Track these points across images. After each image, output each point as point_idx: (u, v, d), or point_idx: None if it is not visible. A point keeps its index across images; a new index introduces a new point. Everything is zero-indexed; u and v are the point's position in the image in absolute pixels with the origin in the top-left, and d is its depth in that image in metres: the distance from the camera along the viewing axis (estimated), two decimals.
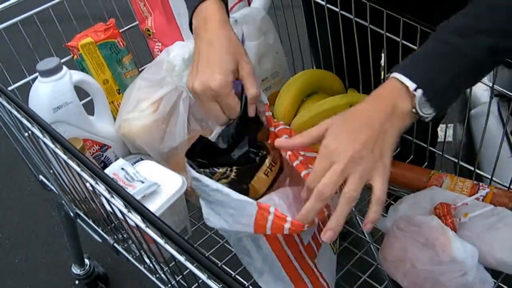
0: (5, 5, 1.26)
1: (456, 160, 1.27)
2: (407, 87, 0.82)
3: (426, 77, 0.83)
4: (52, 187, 1.37)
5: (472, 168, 1.25)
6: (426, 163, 1.37)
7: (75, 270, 1.89)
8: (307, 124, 1.16)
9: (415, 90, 0.81)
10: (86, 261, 1.90)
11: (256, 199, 0.82)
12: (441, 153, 1.32)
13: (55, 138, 0.97)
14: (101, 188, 0.93)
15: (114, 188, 0.87)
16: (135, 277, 1.99)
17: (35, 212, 2.41)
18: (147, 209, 0.83)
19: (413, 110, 0.82)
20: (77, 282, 1.98)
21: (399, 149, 1.33)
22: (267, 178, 0.92)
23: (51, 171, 1.28)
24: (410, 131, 1.31)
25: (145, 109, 1.17)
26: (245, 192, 0.90)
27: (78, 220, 1.34)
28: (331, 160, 0.79)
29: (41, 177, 1.41)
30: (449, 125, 2.30)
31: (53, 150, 1.04)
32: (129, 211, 0.88)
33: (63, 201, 1.34)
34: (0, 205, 2.49)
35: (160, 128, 1.15)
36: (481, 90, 1.65)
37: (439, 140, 1.62)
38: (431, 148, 1.34)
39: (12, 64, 1.32)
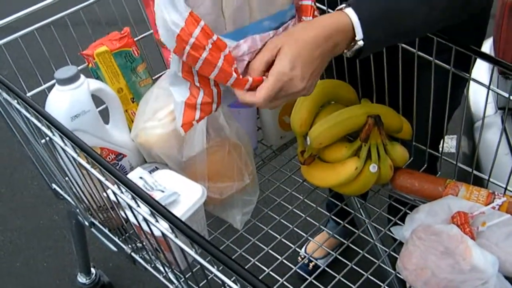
0: (22, 13, 1.26)
1: (470, 170, 1.28)
2: (354, 35, 0.94)
3: (371, 34, 0.95)
4: (66, 196, 1.37)
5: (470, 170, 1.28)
6: (438, 173, 1.38)
7: (81, 279, 1.89)
8: (325, 135, 1.17)
9: (359, 40, 0.95)
10: (92, 270, 1.89)
11: None
12: (451, 161, 1.33)
13: (79, 145, 0.98)
14: (124, 196, 0.94)
15: (141, 195, 0.88)
16: (139, 284, 1.99)
17: (37, 216, 2.41)
18: (176, 217, 0.83)
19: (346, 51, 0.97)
20: None
21: (412, 158, 1.34)
22: None
23: (66, 178, 1.28)
24: (423, 141, 1.33)
25: (163, 118, 1.17)
26: None
27: (93, 229, 1.33)
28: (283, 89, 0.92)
29: (54, 185, 1.41)
30: (452, 136, 2.32)
31: (74, 158, 1.04)
32: (156, 220, 0.89)
33: (77, 210, 1.34)
34: (2, 208, 2.48)
35: (178, 137, 1.15)
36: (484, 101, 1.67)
37: (446, 151, 1.64)
38: (434, 153, 1.35)
39: (27, 71, 1.32)
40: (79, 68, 1.31)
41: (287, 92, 0.93)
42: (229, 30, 0.94)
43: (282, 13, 0.99)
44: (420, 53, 1.19)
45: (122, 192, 0.94)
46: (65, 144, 1.03)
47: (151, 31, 1.40)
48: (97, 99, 1.24)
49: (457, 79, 1.19)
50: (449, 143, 2.37)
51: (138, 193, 0.88)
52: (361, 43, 0.95)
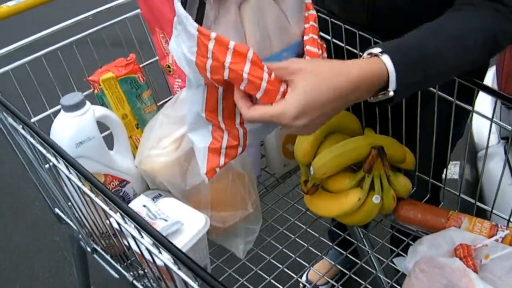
0: (30, 39, 1.27)
1: (473, 201, 1.28)
2: (387, 85, 0.87)
3: (405, 82, 0.87)
4: (68, 221, 1.37)
5: (473, 201, 1.28)
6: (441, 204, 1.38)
7: None
8: (328, 165, 1.17)
9: (390, 92, 0.87)
10: None
11: None
12: (453, 192, 1.33)
13: (83, 175, 0.98)
14: (127, 226, 0.94)
15: (145, 227, 0.88)
16: None
17: (38, 236, 2.41)
18: (179, 249, 0.83)
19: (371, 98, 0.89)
20: None
21: (415, 188, 1.34)
22: None
23: (69, 203, 1.29)
24: (426, 170, 1.33)
25: (167, 146, 1.17)
26: None
27: (95, 255, 1.33)
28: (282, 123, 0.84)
29: (56, 210, 1.41)
30: (455, 162, 2.33)
31: (77, 186, 1.04)
32: (159, 251, 0.89)
33: (80, 235, 1.34)
34: (3, 226, 2.48)
35: (182, 166, 1.16)
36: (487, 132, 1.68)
37: (449, 177, 1.64)
38: (437, 184, 1.35)
39: (32, 95, 1.32)
40: (85, 93, 1.32)
41: (280, 125, 0.87)
42: None
43: (296, 44, 0.99)
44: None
45: (125, 222, 0.94)
46: (70, 173, 1.03)
47: (157, 57, 1.41)
48: (101, 124, 1.25)
49: (461, 109, 1.19)
50: (451, 170, 2.37)
51: (142, 225, 0.88)
52: (391, 93, 0.87)
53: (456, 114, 1.20)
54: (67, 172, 1.04)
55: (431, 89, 1.19)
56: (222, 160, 0.97)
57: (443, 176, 1.47)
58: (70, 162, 1.00)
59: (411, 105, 1.26)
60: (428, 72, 0.91)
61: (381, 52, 0.87)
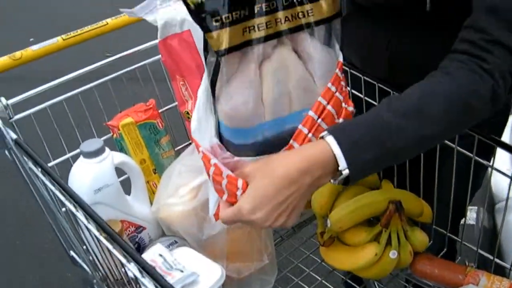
0: (52, 84, 1.29)
1: (491, 258, 1.26)
2: (337, 165, 0.86)
3: (357, 160, 0.87)
4: (83, 264, 1.37)
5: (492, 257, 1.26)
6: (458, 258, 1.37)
7: None
8: (345, 219, 1.16)
9: (344, 171, 0.86)
10: None
11: None
12: (471, 247, 1.31)
13: (99, 224, 0.98)
14: (144, 280, 0.94)
15: (161, 282, 0.88)
16: None
17: (50, 271, 2.40)
18: None
19: (331, 180, 0.90)
20: None
21: (431, 241, 1.33)
22: None
23: (84, 247, 1.29)
24: (443, 223, 1.32)
25: (185, 195, 1.18)
26: None
27: None
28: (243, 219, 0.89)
29: (71, 252, 1.41)
30: (472, 207, 2.30)
31: (94, 234, 1.05)
32: None
33: (94, 280, 1.34)
34: (16, 259, 2.48)
35: (199, 215, 1.16)
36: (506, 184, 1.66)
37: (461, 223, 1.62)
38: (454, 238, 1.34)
39: (52, 138, 1.34)
40: (104, 138, 1.33)
41: (255, 226, 0.93)
42: (267, 119, 0.95)
43: None
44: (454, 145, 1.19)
45: (142, 276, 0.94)
46: (88, 222, 1.04)
47: (176, 103, 1.42)
48: (119, 168, 1.26)
49: (479, 163, 1.19)
50: (468, 215, 2.34)
51: (158, 280, 0.88)
52: (346, 172, 0.87)
53: (475, 168, 1.19)
54: (84, 220, 1.05)
55: (449, 143, 1.19)
56: None
57: (461, 226, 1.46)
58: (87, 211, 1.00)
59: (429, 158, 1.26)
60: (383, 148, 0.88)
61: (327, 133, 0.88)
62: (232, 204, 0.93)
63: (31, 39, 4.26)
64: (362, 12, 1.25)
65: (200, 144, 0.98)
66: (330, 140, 0.87)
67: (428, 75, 0.96)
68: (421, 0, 1.07)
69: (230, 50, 0.88)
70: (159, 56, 1.37)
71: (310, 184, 0.88)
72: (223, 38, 0.87)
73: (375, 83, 1.26)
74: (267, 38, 0.91)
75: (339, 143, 0.86)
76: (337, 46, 1.02)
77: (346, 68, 1.32)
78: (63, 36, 1.36)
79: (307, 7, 0.93)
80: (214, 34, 0.87)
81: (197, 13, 0.87)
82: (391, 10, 1.16)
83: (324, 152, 0.87)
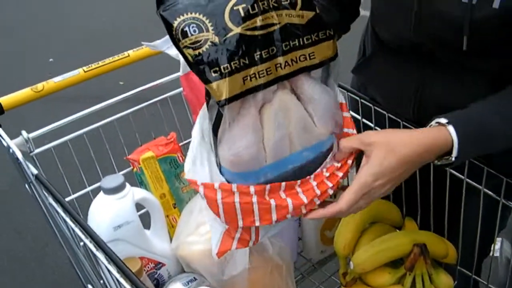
0: (72, 118, 1.28)
1: None
2: (450, 153, 0.95)
3: (465, 153, 0.96)
4: None
5: None
6: None
7: None
8: (369, 262, 1.14)
9: (453, 158, 0.95)
10: None
11: None
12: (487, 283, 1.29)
13: (117, 265, 0.97)
14: None
15: None
16: None
17: None
18: None
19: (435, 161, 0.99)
20: None
21: (456, 282, 1.30)
22: None
23: (101, 281, 1.27)
24: (467, 263, 1.29)
25: (205, 234, 1.16)
26: None
27: None
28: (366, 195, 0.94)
29: (89, 285, 1.39)
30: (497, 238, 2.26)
31: (115, 276, 1.03)
32: None
33: None
34: (30, 283, 2.47)
35: None
36: None
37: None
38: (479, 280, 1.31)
39: (73, 171, 1.33)
40: (124, 172, 1.33)
41: (368, 199, 0.96)
42: (269, 162, 0.94)
43: (320, 143, 0.98)
44: (468, 180, 1.18)
45: None
46: (108, 263, 1.02)
47: None
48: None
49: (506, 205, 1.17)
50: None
51: None
52: (453, 159, 0.96)
53: (502, 209, 1.17)
54: (104, 260, 1.03)
55: (476, 185, 1.17)
56: (234, 246, 0.99)
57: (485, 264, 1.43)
58: (107, 252, 0.99)
59: (454, 197, 1.23)
60: (488, 146, 1.00)
61: (448, 123, 0.95)
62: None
63: (51, 60, 4.29)
64: (389, 51, 1.22)
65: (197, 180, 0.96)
66: (451, 130, 0.95)
67: None
68: (457, 38, 1.04)
69: (231, 100, 0.86)
70: (180, 89, 1.37)
71: (421, 163, 0.97)
72: (223, 88, 0.85)
73: (399, 121, 1.24)
74: (267, 85, 0.90)
75: (459, 136, 0.94)
76: (335, 85, 1.03)
77: (370, 105, 1.30)
78: (85, 68, 1.35)
79: (309, 50, 0.93)
80: (214, 85, 0.85)
81: (196, 65, 0.86)
82: (422, 50, 1.14)
83: (444, 139, 0.95)
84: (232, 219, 0.94)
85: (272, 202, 0.92)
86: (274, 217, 0.93)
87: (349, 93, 1.34)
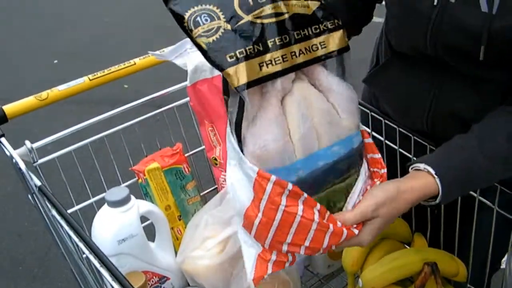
0: (76, 127, 1.26)
1: None
2: (436, 197, 0.98)
3: (450, 196, 0.99)
4: None
5: None
6: None
7: None
8: (378, 280, 1.12)
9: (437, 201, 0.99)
10: None
11: None
12: None
13: (121, 283, 0.95)
14: None
15: None
16: None
17: None
18: None
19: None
20: None
21: None
22: None
23: None
24: (478, 282, 1.27)
25: (211, 249, 1.14)
26: None
27: None
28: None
29: None
30: None
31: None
32: None
33: None
34: (31, 286, 2.46)
35: (227, 271, 1.12)
36: None
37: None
38: None
39: (77, 181, 1.31)
40: (128, 183, 1.30)
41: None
42: (299, 157, 0.90)
43: (349, 138, 0.95)
44: (481, 198, 1.15)
45: None
46: (112, 280, 1.00)
47: (203, 147, 1.39)
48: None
49: None
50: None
51: None
52: (437, 202, 0.99)
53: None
54: (108, 277, 1.01)
55: (489, 203, 1.14)
56: (270, 269, 0.92)
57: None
58: (110, 268, 0.97)
59: (465, 214, 1.21)
60: (471, 186, 1.07)
61: (434, 172, 0.98)
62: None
63: (55, 61, 4.28)
64: (404, 60, 1.20)
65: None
66: (439, 182, 0.97)
67: (502, 111, 1.05)
68: (474, 48, 1.02)
69: (250, 84, 0.84)
70: (187, 99, 1.34)
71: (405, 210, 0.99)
72: (240, 73, 0.83)
73: (411, 135, 1.22)
74: (284, 72, 0.87)
75: (442, 183, 0.97)
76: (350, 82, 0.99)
77: (380, 118, 1.28)
78: (90, 76, 1.33)
79: (319, 39, 0.91)
80: (230, 70, 0.83)
81: (211, 52, 0.83)
82: (438, 60, 1.11)
83: (432, 187, 0.98)
84: (282, 234, 0.89)
85: (331, 227, 0.89)
86: (325, 243, 0.89)
87: (360, 106, 1.31)
